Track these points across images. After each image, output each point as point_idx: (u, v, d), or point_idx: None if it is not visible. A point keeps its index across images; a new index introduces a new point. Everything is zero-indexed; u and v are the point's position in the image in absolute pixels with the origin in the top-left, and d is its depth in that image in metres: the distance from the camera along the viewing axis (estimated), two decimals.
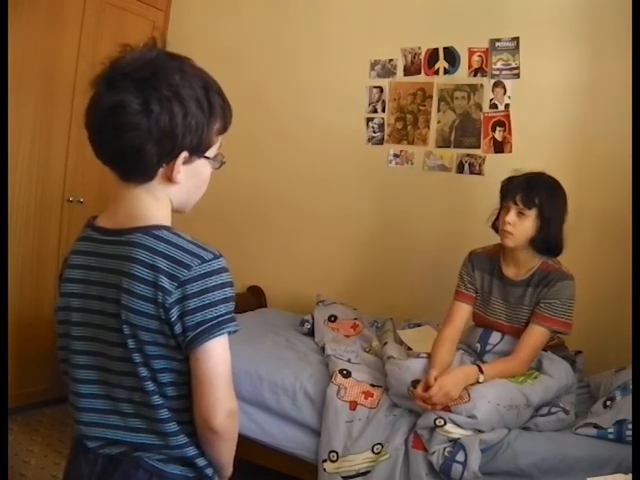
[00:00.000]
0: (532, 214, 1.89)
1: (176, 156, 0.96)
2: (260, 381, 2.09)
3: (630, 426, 1.63)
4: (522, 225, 1.90)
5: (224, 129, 1.03)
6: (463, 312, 2.08)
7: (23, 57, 2.56)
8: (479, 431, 1.74)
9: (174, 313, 0.92)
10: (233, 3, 3.23)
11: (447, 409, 1.75)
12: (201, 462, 1.01)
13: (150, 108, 0.92)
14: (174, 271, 0.92)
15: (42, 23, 2.65)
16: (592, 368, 2.20)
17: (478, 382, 1.81)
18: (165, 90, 0.93)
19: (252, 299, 3.07)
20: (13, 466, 2.35)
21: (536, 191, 1.89)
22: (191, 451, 1.00)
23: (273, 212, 3.11)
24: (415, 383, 1.83)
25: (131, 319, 0.94)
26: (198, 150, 0.99)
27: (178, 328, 0.93)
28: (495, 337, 2.03)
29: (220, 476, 1.08)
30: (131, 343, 0.95)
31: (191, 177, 1.01)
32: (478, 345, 2.05)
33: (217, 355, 0.95)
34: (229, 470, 1.08)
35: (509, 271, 2.03)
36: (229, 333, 0.97)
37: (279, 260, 3.10)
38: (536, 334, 1.91)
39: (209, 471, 1.03)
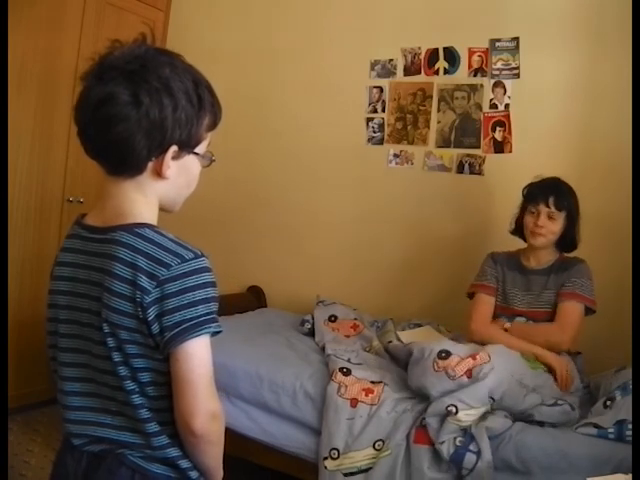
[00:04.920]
0: (562, 216, 2.04)
1: (165, 150, 0.96)
2: (260, 381, 2.08)
3: (630, 426, 1.63)
4: (553, 227, 2.05)
5: (214, 125, 1.03)
6: (490, 303, 2.15)
7: (23, 57, 2.56)
8: (487, 413, 1.76)
9: (152, 312, 0.91)
10: (233, 3, 3.23)
11: (469, 373, 1.78)
12: (184, 464, 0.99)
13: (140, 99, 0.91)
14: (153, 270, 0.91)
15: (42, 23, 2.65)
16: (592, 368, 2.20)
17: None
18: (155, 82, 0.92)
19: (252, 299, 3.07)
20: (13, 466, 2.35)
21: (564, 194, 2.04)
22: (173, 452, 0.98)
23: (273, 212, 3.11)
24: (442, 354, 1.85)
25: (110, 317, 0.93)
26: (188, 145, 0.98)
27: (155, 328, 0.92)
28: (520, 320, 2.10)
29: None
30: (111, 342, 0.94)
31: (180, 173, 1.00)
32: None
33: (197, 356, 0.93)
34: (218, 474, 1.06)
35: (530, 263, 2.15)
36: (211, 334, 0.95)
37: (279, 260, 3.10)
38: (568, 308, 2.01)
39: (193, 474, 1.00)
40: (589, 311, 2.04)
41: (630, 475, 1.19)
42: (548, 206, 2.02)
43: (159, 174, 0.97)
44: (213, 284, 0.95)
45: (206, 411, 0.94)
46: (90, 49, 2.80)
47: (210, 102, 1.00)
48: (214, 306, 0.95)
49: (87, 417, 1.00)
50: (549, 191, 2.03)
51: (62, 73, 2.73)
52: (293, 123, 3.05)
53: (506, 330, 2.04)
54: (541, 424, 1.80)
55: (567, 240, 2.09)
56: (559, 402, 1.83)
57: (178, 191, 1.03)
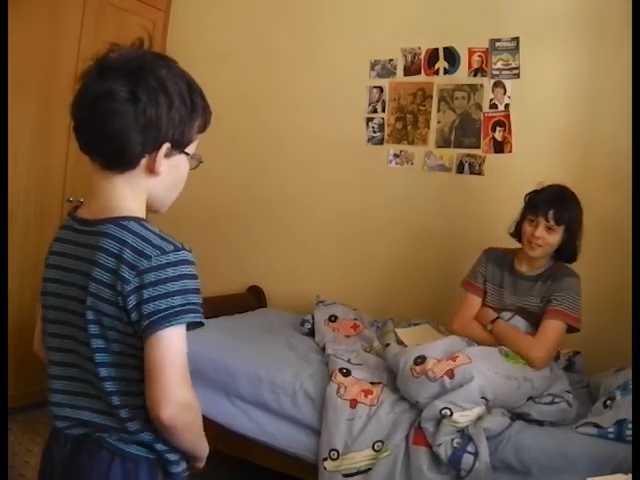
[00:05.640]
0: (561, 229, 2.01)
1: (159, 147, 0.99)
2: (260, 381, 2.08)
3: (630, 426, 1.63)
4: (550, 239, 2.02)
5: (203, 128, 1.07)
6: (475, 304, 2.17)
7: (23, 57, 2.56)
8: (484, 410, 1.77)
9: (131, 301, 0.94)
10: (232, 3, 3.23)
11: (450, 374, 1.79)
12: (159, 447, 1.01)
13: (138, 97, 0.95)
14: (135, 261, 0.95)
15: (42, 23, 2.65)
16: (592, 368, 2.20)
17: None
18: (152, 81, 0.96)
19: (252, 299, 3.07)
20: (13, 466, 2.35)
21: (566, 207, 2.00)
22: (147, 437, 1.00)
23: (273, 212, 3.11)
24: (418, 359, 1.88)
25: (95, 305, 0.97)
26: (179, 144, 1.02)
27: (135, 316, 0.95)
28: (506, 315, 2.10)
29: (193, 459, 1.08)
30: (92, 328, 0.97)
31: (171, 172, 1.03)
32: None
33: (170, 344, 0.94)
34: (201, 452, 1.08)
35: (521, 268, 2.13)
36: (190, 325, 0.97)
37: (279, 260, 3.10)
38: (549, 326, 1.98)
39: (171, 456, 1.03)
40: (573, 328, 2.00)
41: (630, 475, 1.19)
42: (547, 220, 1.98)
43: (151, 170, 1.01)
44: (192, 276, 0.98)
45: (176, 401, 0.94)
46: (90, 49, 2.82)
47: (202, 106, 1.04)
48: (193, 297, 0.97)
49: (69, 400, 1.03)
50: (550, 204, 1.98)
51: (62, 73, 2.73)
52: (293, 123, 3.05)
53: (490, 331, 2.07)
54: (540, 423, 1.80)
55: (565, 252, 2.06)
56: (556, 400, 1.83)
57: (166, 190, 1.07)
